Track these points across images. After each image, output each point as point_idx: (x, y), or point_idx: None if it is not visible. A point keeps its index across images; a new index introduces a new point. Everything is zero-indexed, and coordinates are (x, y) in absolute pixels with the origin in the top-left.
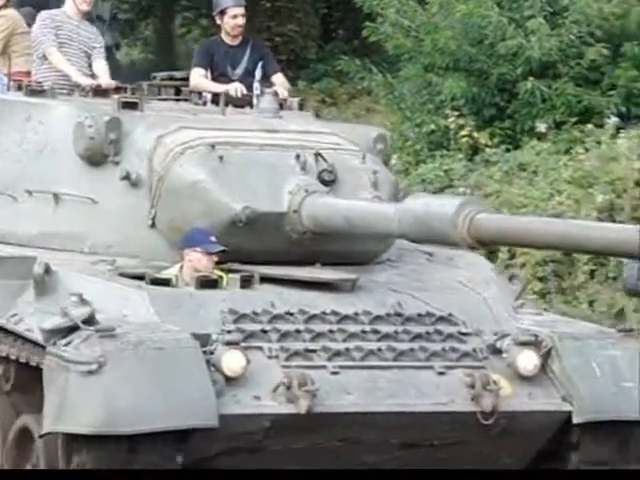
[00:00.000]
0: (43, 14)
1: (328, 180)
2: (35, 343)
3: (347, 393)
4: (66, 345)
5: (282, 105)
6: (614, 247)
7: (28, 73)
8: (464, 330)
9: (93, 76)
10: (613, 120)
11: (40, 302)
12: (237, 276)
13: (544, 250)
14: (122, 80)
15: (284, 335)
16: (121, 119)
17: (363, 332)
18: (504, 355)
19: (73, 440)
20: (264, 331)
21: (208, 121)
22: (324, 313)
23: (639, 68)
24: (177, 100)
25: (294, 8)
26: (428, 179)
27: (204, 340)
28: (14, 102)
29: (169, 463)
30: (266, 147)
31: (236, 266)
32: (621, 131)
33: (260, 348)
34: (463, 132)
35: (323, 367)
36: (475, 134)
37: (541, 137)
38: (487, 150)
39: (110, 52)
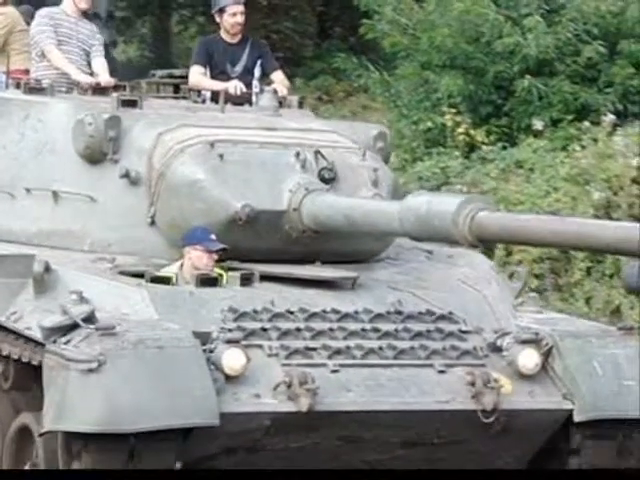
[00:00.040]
0: (42, 12)
1: (328, 178)
2: (35, 341)
3: (347, 391)
4: (66, 343)
5: (281, 103)
6: (615, 245)
7: (27, 71)
8: (464, 328)
9: (92, 74)
10: (610, 118)
11: (39, 300)
12: (237, 274)
13: (545, 248)
14: (119, 78)
15: (284, 333)
16: (120, 117)
17: (363, 330)
18: (505, 353)
19: (73, 439)
20: (264, 329)
21: (208, 119)
22: (324, 311)
23: (636, 66)
24: (176, 98)
25: (290, 5)
26: (425, 177)
27: (204, 338)
28: (13, 100)
29: (169, 462)
30: (266, 145)
31: (236, 264)
32: (618, 129)
33: (260, 346)
34: (460, 129)
35: (323, 365)
36: (472, 131)
37: (538, 134)
38: (484, 147)
39: (107, 50)
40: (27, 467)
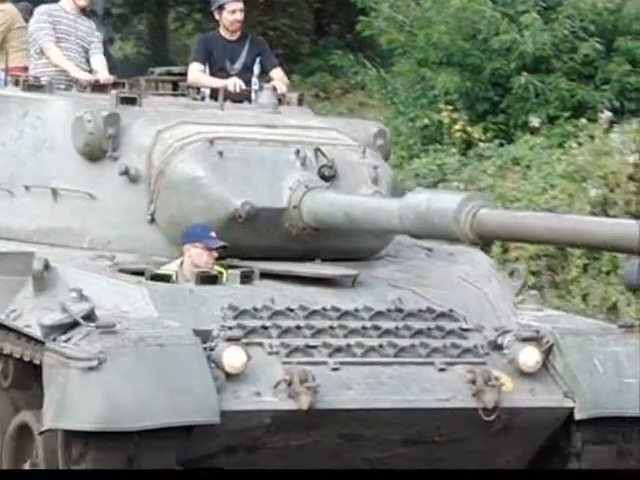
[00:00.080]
0: (40, 9)
1: (328, 176)
2: (34, 339)
3: (348, 389)
4: (66, 341)
5: (281, 100)
6: (614, 242)
7: (25, 68)
8: (465, 326)
9: (91, 71)
10: (606, 115)
11: (39, 298)
12: (237, 272)
13: (543, 245)
14: (117, 75)
15: (285, 331)
16: (120, 114)
17: (364, 328)
18: (505, 351)
19: (73, 437)
20: (264, 327)
21: (207, 116)
22: (324, 309)
23: (632, 63)
24: (175, 95)
25: (287, 2)
26: (422, 174)
27: (205, 336)
28: (11, 97)
29: (169, 461)
30: (266, 142)
31: (236, 262)
32: (614, 126)
33: (261, 344)
34: (456, 127)
35: (324, 363)
36: (468, 128)
37: (534, 132)
38: (480, 144)
39: (105, 47)
40: (27, 465)
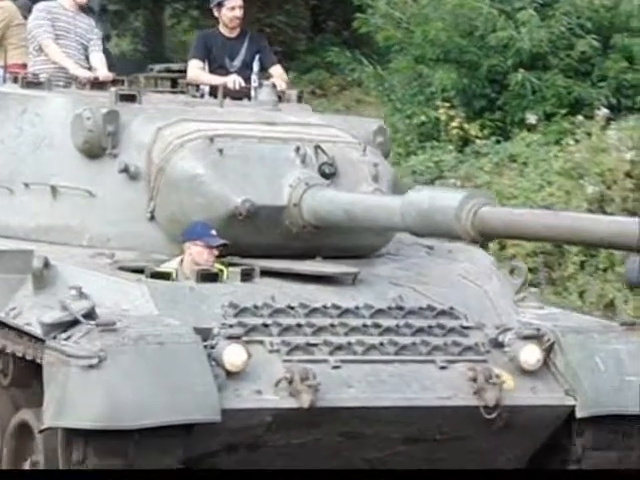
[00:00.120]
0: (39, 6)
1: (329, 173)
2: (34, 337)
3: (349, 387)
4: (66, 339)
5: (280, 97)
6: (614, 239)
7: (24, 65)
8: (466, 324)
9: (90, 68)
10: (603, 112)
11: (39, 296)
12: (237, 270)
13: (543, 242)
14: (116, 72)
15: (285, 329)
16: (119, 111)
17: (364, 326)
18: (506, 349)
19: (73, 435)
20: (265, 325)
21: (207, 113)
22: (325, 307)
23: (629, 59)
24: (174, 92)
25: None
26: (418, 171)
27: (205, 334)
28: (10, 94)
29: (170, 459)
30: (265, 140)
31: (236, 260)
32: (611, 122)
33: (261, 342)
34: (453, 123)
35: (325, 361)
36: (465, 125)
37: (531, 128)
38: (477, 141)
39: (104, 44)
40: (27, 464)
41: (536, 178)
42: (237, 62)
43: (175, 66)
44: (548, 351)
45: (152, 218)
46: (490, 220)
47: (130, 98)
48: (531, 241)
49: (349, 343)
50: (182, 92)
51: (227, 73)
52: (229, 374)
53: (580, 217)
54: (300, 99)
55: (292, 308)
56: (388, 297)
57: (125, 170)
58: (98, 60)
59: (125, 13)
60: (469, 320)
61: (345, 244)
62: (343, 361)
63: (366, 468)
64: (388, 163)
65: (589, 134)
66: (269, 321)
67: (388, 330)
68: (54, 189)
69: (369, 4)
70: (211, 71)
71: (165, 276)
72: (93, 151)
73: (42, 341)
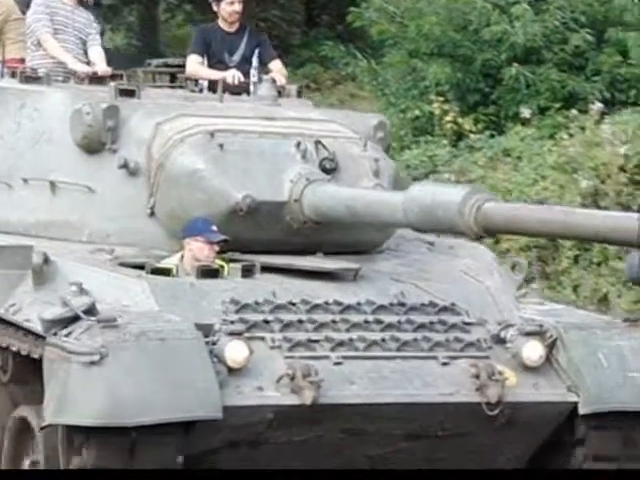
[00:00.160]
0: (38, 0)
1: (329, 168)
2: (34, 333)
3: (351, 384)
4: (67, 336)
5: (280, 92)
6: (615, 235)
7: (22, 60)
8: (468, 320)
9: (89, 63)
10: (597, 106)
11: (39, 292)
12: (238, 266)
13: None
14: (115, 67)
15: (287, 325)
16: (119, 106)
17: (366, 322)
18: (508, 345)
19: (74, 432)
20: (266, 321)
21: (206, 108)
22: (326, 303)
23: (623, 54)
24: (173, 87)
25: None
26: (412, 165)
27: (207, 330)
28: (8, 89)
29: (171, 458)
30: (266, 135)
31: (237, 255)
32: (605, 117)
33: (263, 338)
34: (447, 118)
35: (326, 357)
36: (459, 120)
37: (525, 123)
38: (471, 136)
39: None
40: (26, 461)
41: (530, 172)
42: (236, 57)
43: (174, 61)
44: (551, 347)
45: (152, 214)
46: (493, 215)
47: (129, 93)
48: (535, 237)
49: (351, 339)
50: (181, 87)
51: (226, 68)
52: (230, 370)
53: (586, 213)
54: (300, 94)
55: (293, 304)
56: (390, 293)
57: (125, 166)
58: (97, 54)
59: (119, 7)
60: (471, 316)
61: (346, 240)
62: (345, 357)
63: (367, 465)
64: (389, 158)
65: (583, 128)
66: (270, 317)
67: (390, 326)
68: (53, 184)
69: None
70: (210, 66)
71: (165, 272)
72: (92, 146)
73: (42, 337)
